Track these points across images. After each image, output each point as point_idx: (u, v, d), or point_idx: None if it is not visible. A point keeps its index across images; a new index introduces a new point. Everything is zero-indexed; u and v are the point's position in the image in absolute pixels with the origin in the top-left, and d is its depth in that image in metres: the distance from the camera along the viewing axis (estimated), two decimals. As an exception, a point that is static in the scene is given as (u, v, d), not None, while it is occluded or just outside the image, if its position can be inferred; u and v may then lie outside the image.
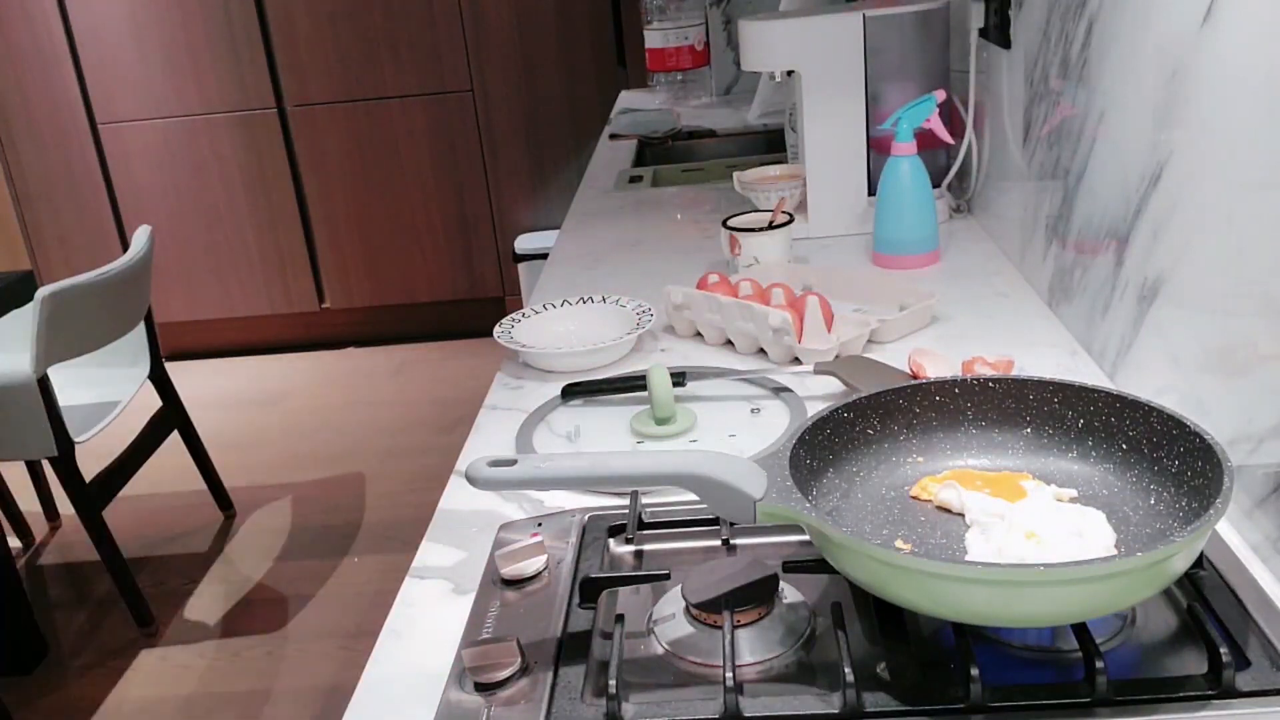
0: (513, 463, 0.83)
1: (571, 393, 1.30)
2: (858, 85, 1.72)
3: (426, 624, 0.92)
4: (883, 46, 1.70)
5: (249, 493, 3.32)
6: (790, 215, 1.64)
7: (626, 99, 3.37)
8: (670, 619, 0.86)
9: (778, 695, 0.78)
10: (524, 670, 0.81)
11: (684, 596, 0.86)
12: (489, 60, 3.96)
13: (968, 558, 0.83)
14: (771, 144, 2.63)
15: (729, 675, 0.76)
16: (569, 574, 0.94)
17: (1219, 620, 0.79)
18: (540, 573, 0.94)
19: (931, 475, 0.93)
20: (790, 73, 1.79)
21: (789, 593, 0.88)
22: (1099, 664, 0.73)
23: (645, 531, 0.99)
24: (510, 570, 0.93)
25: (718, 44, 3.26)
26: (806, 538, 0.95)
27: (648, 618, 0.88)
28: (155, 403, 2.95)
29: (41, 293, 2.35)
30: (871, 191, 1.76)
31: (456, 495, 1.12)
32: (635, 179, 2.36)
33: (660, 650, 0.84)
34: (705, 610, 0.85)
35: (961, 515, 0.88)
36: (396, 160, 4.08)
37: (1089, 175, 1.25)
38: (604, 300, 1.51)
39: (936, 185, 1.67)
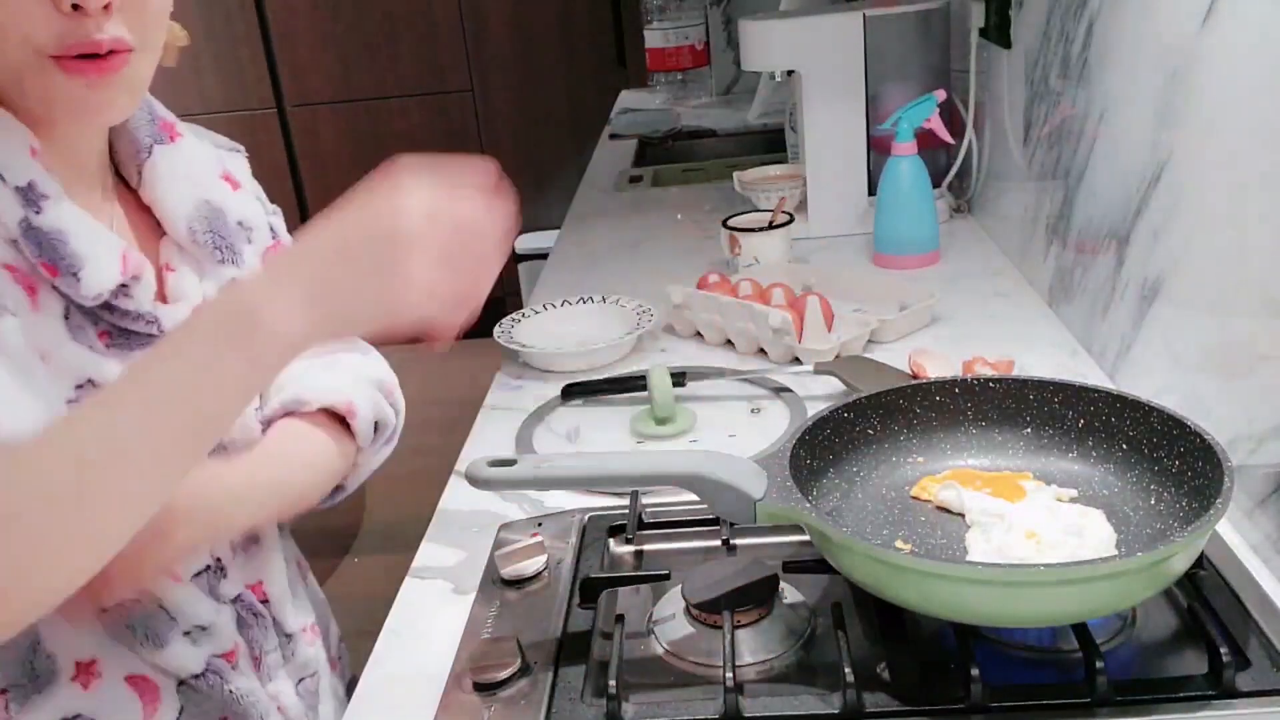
0: (513, 463, 0.83)
1: (571, 393, 1.30)
2: (858, 85, 1.72)
3: (426, 624, 0.92)
4: (883, 46, 1.70)
5: (249, 493, 3.31)
6: (790, 215, 1.64)
7: (626, 99, 3.36)
8: (670, 619, 0.86)
9: (778, 695, 0.78)
10: (524, 670, 0.81)
11: (684, 596, 0.86)
12: (489, 60, 3.96)
13: (968, 558, 0.83)
14: (771, 144, 2.62)
15: (729, 675, 0.76)
16: (569, 574, 0.93)
17: (1219, 620, 0.79)
18: (540, 573, 0.94)
19: (931, 475, 0.93)
20: (790, 73, 1.79)
21: (789, 593, 0.88)
22: (1099, 664, 0.73)
23: (645, 531, 0.99)
24: (510, 570, 0.93)
25: (718, 44, 3.26)
26: (806, 538, 0.95)
27: (648, 618, 0.88)
28: (155, 403, 2.94)
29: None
30: (871, 191, 1.76)
31: (456, 495, 1.12)
32: (635, 179, 2.36)
33: (660, 650, 0.84)
34: (705, 610, 0.84)
35: (961, 515, 0.88)
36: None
37: (1089, 175, 1.25)
38: (604, 300, 1.51)
39: (936, 185, 1.67)
